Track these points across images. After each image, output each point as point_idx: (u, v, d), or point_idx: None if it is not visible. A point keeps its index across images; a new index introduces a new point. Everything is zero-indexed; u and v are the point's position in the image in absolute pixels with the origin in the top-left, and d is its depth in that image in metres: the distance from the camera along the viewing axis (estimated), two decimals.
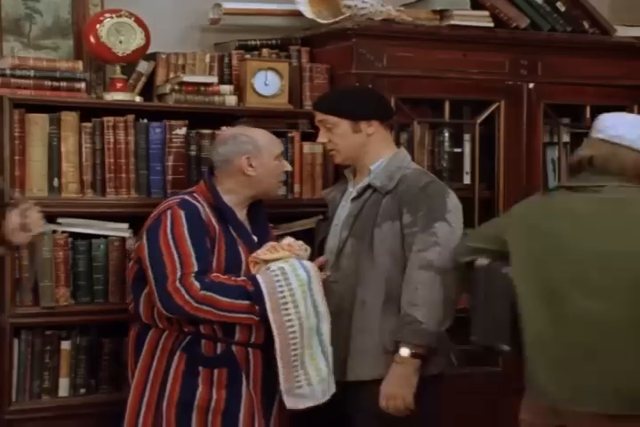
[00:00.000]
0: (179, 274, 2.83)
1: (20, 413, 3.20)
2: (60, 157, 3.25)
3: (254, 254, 3.00)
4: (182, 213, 2.90)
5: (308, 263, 2.98)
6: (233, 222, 3.01)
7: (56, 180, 3.25)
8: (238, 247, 2.98)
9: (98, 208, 3.30)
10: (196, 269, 2.85)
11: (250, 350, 2.95)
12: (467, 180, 3.81)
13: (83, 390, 3.31)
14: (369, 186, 3.09)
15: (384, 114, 3.15)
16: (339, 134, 3.11)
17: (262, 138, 3.07)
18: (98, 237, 3.31)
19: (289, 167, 3.19)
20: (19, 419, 3.20)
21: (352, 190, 3.17)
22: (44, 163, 3.23)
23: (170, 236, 2.88)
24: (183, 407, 2.89)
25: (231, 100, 3.52)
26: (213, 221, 2.96)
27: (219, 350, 2.93)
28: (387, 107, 3.20)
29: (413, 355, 2.93)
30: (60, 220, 3.26)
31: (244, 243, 3.00)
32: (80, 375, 3.30)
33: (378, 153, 3.12)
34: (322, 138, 3.17)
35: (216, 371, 2.92)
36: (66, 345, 3.28)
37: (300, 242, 3.09)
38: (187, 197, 2.98)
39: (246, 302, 2.86)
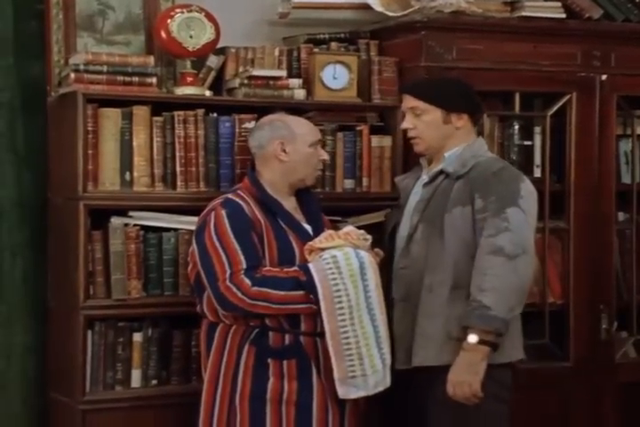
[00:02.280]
0: (228, 273, 2.90)
1: (94, 403, 3.28)
2: (131, 151, 3.32)
3: (310, 243, 3.04)
4: (224, 213, 2.96)
5: (363, 252, 3.01)
6: (281, 213, 3.05)
7: (128, 174, 3.32)
8: (289, 238, 3.03)
9: (168, 201, 3.36)
10: (244, 265, 2.91)
11: (318, 339, 3.00)
12: (537, 173, 3.80)
13: (154, 382, 3.37)
14: (441, 171, 3.12)
15: (476, 108, 3.20)
16: (427, 122, 3.13)
17: (298, 124, 3.13)
18: (168, 230, 3.37)
19: (325, 156, 3.21)
20: (92, 409, 3.27)
21: (425, 177, 3.21)
22: (116, 157, 3.29)
23: (215, 237, 2.94)
24: (256, 401, 2.95)
25: (300, 94, 3.56)
26: (259, 215, 3.00)
27: (287, 342, 2.98)
28: (479, 101, 3.23)
29: (481, 342, 2.92)
30: (131, 213, 3.33)
31: (294, 233, 3.04)
32: (152, 367, 3.36)
33: (457, 144, 3.16)
34: (407, 124, 3.18)
35: (285, 362, 2.97)
36: (138, 337, 3.35)
37: (361, 231, 3.10)
38: (230, 195, 3.04)
39: (300, 293, 2.91)
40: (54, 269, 3.50)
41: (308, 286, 2.91)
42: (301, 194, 3.18)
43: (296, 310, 2.94)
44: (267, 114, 3.43)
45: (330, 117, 3.57)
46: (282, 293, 2.90)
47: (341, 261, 2.95)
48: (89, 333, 3.29)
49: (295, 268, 2.96)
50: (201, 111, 3.39)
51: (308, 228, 3.12)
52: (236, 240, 2.93)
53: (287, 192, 3.12)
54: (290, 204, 3.12)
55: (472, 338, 2.93)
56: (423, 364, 3.04)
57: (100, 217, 3.30)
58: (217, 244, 2.94)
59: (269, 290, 2.89)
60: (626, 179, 4.00)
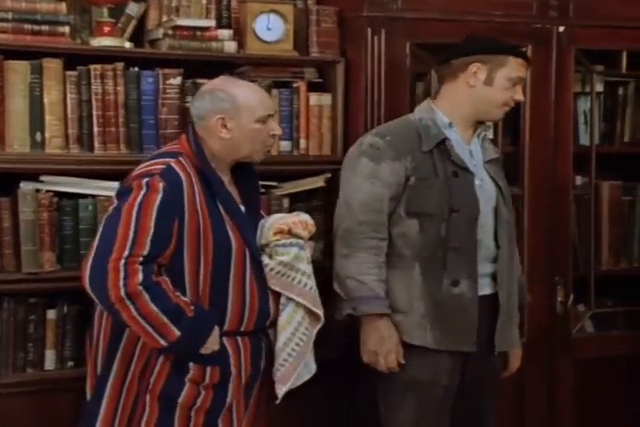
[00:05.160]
0: (126, 253, 2.71)
1: (3, 387, 3.19)
2: (42, 109, 3.22)
3: (277, 225, 2.96)
4: (161, 187, 2.77)
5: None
6: (222, 195, 2.89)
7: (39, 134, 3.22)
8: (226, 227, 2.87)
9: (85, 165, 3.27)
10: (145, 251, 2.72)
11: (239, 338, 2.90)
12: (488, 134, 3.56)
13: (70, 363, 3.30)
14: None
15: None
16: None
17: (244, 95, 2.91)
18: (85, 196, 3.29)
19: (278, 131, 3.00)
20: (1, 394, 3.19)
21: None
22: (25, 115, 3.20)
23: (136, 208, 2.75)
24: (166, 402, 2.84)
25: (230, 47, 3.47)
26: (198, 191, 2.83)
27: None
28: None
29: None
30: (43, 178, 3.23)
31: (232, 220, 2.88)
32: (67, 347, 3.29)
33: None
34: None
35: (209, 369, 2.86)
36: (51, 314, 3.27)
37: (312, 222, 3.05)
38: (172, 162, 2.84)
39: (167, 322, 2.73)
40: None
41: (187, 324, 2.74)
42: (239, 167, 3.02)
43: (145, 332, 2.74)
44: (194, 68, 3.36)
45: (263, 73, 3.50)
46: (154, 308, 2.71)
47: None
48: None
49: (187, 300, 2.78)
50: (120, 65, 3.30)
51: (243, 209, 2.98)
52: (154, 222, 2.75)
53: (228, 165, 2.98)
54: (226, 177, 2.97)
55: None
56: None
57: (7, 182, 3.21)
58: (133, 217, 2.75)
59: (147, 298, 2.71)
60: (584, 140, 3.98)
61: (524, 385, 3.76)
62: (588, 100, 3.94)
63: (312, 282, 2.98)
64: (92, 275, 2.73)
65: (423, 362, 3.09)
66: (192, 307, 2.76)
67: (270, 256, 2.94)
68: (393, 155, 3.08)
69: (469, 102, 3.16)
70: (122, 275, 2.70)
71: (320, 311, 2.98)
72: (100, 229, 2.80)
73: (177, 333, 2.73)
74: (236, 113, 2.88)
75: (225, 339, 2.86)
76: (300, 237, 2.98)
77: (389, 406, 3.16)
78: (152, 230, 2.73)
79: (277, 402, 2.97)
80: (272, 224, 2.98)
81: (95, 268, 2.73)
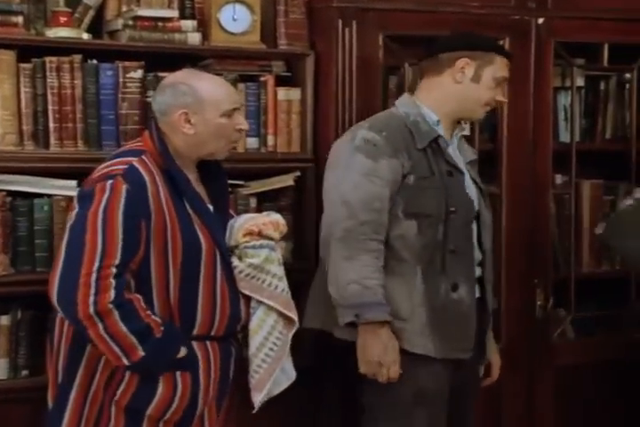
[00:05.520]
0: (96, 266, 2.62)
1: None
2: None
3: (247, 226, 2.88)
4: (124, 189, 2.68)
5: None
6: (189, 194, 2.81)
7: None
8: (195, 227, 2.79)
9: (40, 163, 3.23)
10: (117, 260, 2.63)
11: (207, 343, 2.82)
12: (465, 130, 3.57)
13: (25, 372, 3.25)
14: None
15: None
16: None
17: (208, 88, 2.83)
18: (41, 196, 3.25)
19: (244, 125, 2.93)
20: None
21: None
22: None
23: (101, 215, 2.66)
24: (133, 415, 2.75)
25: (194, 38, 3.43)
26: (163, 190, 2.75)
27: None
28: None
29: None
30: None
31: (200, 219, 2.81)
32: (21, 355, 3.23)
33: None
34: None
35: (178, 375, 2.77)
36: (5, 320, 3.22)
37: (283, 222, 2.99)
38: (135, 162, 2.75)
39: (134, 342, 2.65)
40: None
41: (153, 344, 2.66)
42: (206, 164, 2.94)
43: (110, 350, 2.65)
44: (156, 61, 3.33)
45: (229, 66, 3.46)
46: (122, 328, 2.63)
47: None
48: None
49: (157, 319, 2.69)
50: (77, 57, 3.26)
51: (211, 208, 2.91)
52: (122, 227, 2.66)
53: (193, 162, 2.90)
54: (193, 175, 2.89)
55: None
56: None
57: None
58: (99, 224, 2.65)
59: (117, 317, 2.63)
60: (564, 137, 3.95)
61: (501, 394, 3.72)
62: (568, 95, 3.91)
63: (284, 284, 2.90)
64: (60, 290, 2.64)
65: (428, 371, 3.01)
66: (162, 328, 2.69)
67: (240, 258, 2.87)
68: (390, 151, 2.99)
69: (455, 99, 3.09)
70: (92, 290, 2.61)
71: (293, 315, 2.90)
72: (66, 240, 2.70)
73: (141, 353, 2.66)
74: (200, 107, 2.80)
75: (195, 343, 2.79)
76: (271, 239, 2.92)
77: (395, 422, 3.04)
78: (120, 237, 2.65)
79: (254, 412, 2.88)
80: (241, 225, 2.91)
81: (64, 282, 2.64)
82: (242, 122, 2.88)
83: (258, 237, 2.89)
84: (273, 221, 2.93)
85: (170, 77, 2.90)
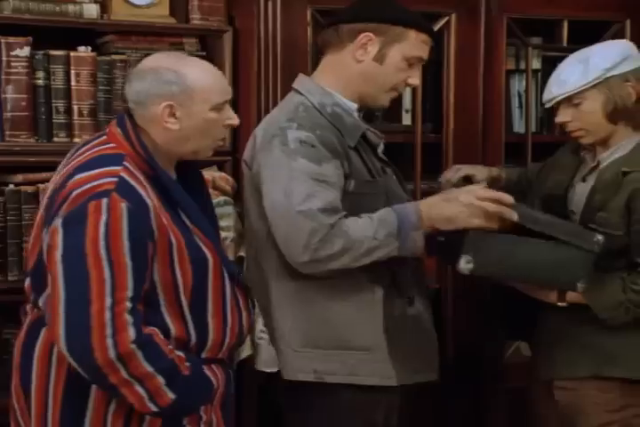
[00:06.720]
0: (108, 301, 2.31)
1: None
2: None
3: None
4: (124, 207, 2.33)
5: None
6: (185, 203, 2.52)
7: None
8: (195, 240, 2.50)
9: None
10: (130, 292, 2.33)
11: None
12: (406, 120, 3.61)
13: None
14: None
15: None
16: None
17: (199, 77, 2.51)
18: None
19: (235, 121, 2.62)
20: None
21: None
22: None
23: (103, 243, 2.32)
24: None
25: (91, 11, 3.27)
26: (158, 204, 2.44)
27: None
28: None
29: None
30: None
31: (201, 231, 2.54)
32: None
33: None
34: None
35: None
36: None
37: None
38: (122, 172, 2.40)
39: (162, 381, 2.39)
40: None
41: (182, 384, 2.41)
42: (184, 163, 2.67)
43: (135, 398, 2.37)
44: (46, 37, 3.22)
45: (133, 44, 3.30)
46: (149, 368, 2.35)
47: None
48: None
49: (181, 354, 2.44)
50: None
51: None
52: (130, 253, 2.33)
53: (171, 162, 2.59)
54: (173, 176, 2.61)
55: None
56: None
57: None
58: (102, 253, 2.31)
59: (141, 357, 2.34)
60: (518, 127, 3.80)
61: (446, 419, 3.59)
62: (522, 78, 3.75)
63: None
64: (68, 335, 2.31)
65: (378, 402, 2.74)
66: (187, 363, 2.44)
67: None
68: (329, 152, 2.64)
69: (362, 82, 2.72)
70: (109, 331, 2.30)
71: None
72: (61, 274, 2.35)
73: (171, 396, 2.40)
74: (188, 99, 2.47)
75: (204, 368, 2.54)
76: (226, 194, 2.98)
77: None
78: (130, 264, 2.33)
79: None
80: None
81: (72, 325, 2.31)
82: (232, 116, 2.58)
83: (217, 193, 2.91)
84: (223, 176, 2.95)
85: (150, 60, 2.56)
